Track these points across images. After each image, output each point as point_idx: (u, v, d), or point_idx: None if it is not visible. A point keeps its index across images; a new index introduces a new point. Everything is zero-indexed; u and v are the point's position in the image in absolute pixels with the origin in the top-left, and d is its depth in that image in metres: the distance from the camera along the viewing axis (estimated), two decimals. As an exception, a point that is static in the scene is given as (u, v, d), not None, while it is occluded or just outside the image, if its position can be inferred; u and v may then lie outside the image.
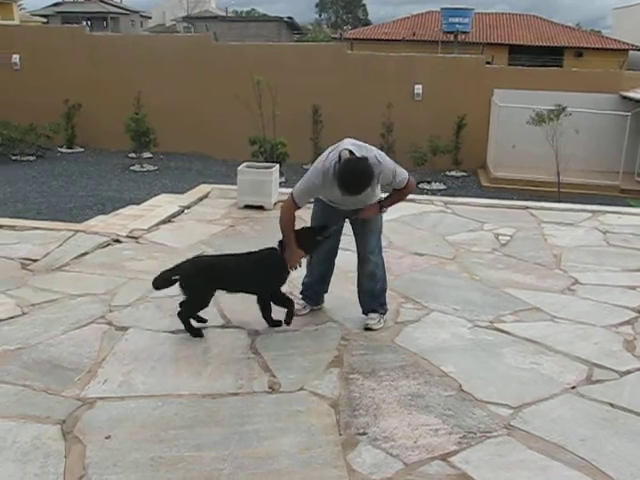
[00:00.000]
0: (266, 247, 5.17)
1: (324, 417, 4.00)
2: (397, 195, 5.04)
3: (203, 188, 9.74)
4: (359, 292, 5.37)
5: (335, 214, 5.13)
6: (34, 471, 3.44)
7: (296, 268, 5.09)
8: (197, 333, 4.98)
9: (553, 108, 13.75)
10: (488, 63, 18.84)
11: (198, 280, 4.93)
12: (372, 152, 4.74)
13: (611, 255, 7.30)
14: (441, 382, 4.45)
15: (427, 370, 4.61)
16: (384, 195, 5.14)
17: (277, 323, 5.14)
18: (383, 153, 4.88)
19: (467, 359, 4.80)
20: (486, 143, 16.28)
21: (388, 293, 5.38)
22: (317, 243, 5.11)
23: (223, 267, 5.07)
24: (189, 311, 5.00)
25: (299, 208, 4.93)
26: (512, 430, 3.92)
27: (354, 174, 4.51)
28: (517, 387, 4.42)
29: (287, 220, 4.94)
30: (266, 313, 5.12)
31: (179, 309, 4.98)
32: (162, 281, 5.03)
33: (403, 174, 4.87)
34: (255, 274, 5.01)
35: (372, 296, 5.30)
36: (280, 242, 5.07)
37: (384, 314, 5.32)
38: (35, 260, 6.55)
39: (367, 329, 5.20)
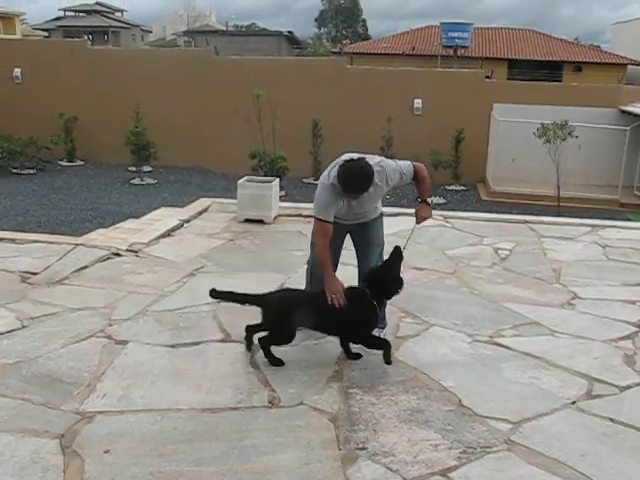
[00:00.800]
0: (353, 287, 4.89)
1: (323, 432, 3.99)
2: (420, 184, 5.09)
3: (203, 202, 9.75)
4: None
5: (338, 231, 5.06)
6: (33, 486, 3.43)
7: (335, 303, 4.69)
8: (277, 362, 4.75)
9: (559, 122, 13.78)
10: (487, 77, 18.95)
11: (286, 318, 4.68)
12: (373, 160, 4.79)
13: (611, 269, 7.31)
14: (441, 397, 4.45)
15: (427, 385, 4.60)
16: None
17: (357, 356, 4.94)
18: (383, 158, 4.95)
19: (467, 374, 4.79)
20: (486, 157, 16.32)
21: (388, 308, 5.37)
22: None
23: (313, 305, 4.77)
24: (271, 344, 4.79)
25: (331, 223, 4.82)
26: (512, 445, 3.91)
27: (353, 172, 4.57)
28: (517, 402, 4.41)
29: (323, 247, 4.84)
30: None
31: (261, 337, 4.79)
32: (224, 295, 4.91)
33: (408, 166, 4.94)
34: (345, 316, 4.71)
35: None
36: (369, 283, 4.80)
37: (383, 328, 5.31)
38: (35, 273, 6.55)
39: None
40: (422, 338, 5.38)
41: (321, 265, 4.89)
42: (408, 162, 4.98)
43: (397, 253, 4.93)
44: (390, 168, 4.84)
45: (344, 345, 4.92)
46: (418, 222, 5.23)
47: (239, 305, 5.69)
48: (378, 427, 4.05)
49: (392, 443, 3.89)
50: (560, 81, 29.50)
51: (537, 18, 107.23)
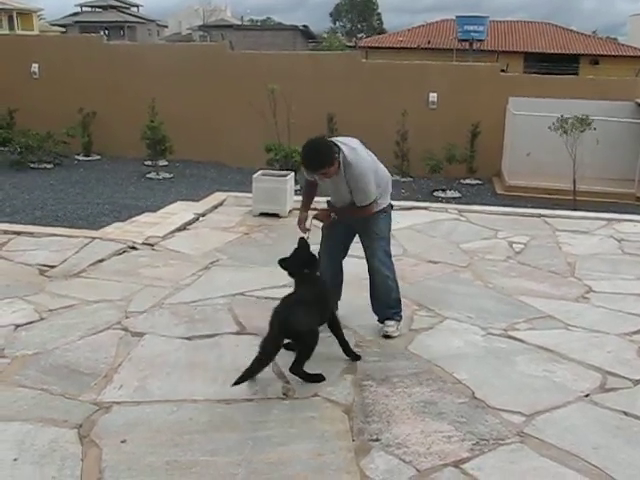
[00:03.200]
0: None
1: (337, 423, 4.03)
2: (356, 209, 5.06)
3: (218, 196, 9.80)
4: (373, 301, 5.40)
5: (342, 228, 5.31)
6: (52, 474, 3.49)
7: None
8: (318, 378, 4.55)
9: (579, 116, 13.71)
10: (503, 71, 18.86)
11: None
12: (359, 158, 4.88)
13: (626, 263, 7.29)
14: (454, 389, 4.47)
15: (440, 377, 4.62)
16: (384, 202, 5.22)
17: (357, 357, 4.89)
18: (372, 169, 4.96)
19: (480, 366, 4.81)
20: (501, 151, 16.25)
21: (402, 300, 5.39)
22: None
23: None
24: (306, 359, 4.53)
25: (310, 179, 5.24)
26: (525, 437, 3.93)
27: (308, 147, 4.83)
28: (530, 395, 4.42)
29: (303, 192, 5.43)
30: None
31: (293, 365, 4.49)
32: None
33: (368, 198, 4.95)
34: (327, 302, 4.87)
35: (388, 307, 5.33)
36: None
37: (400, 321, 5.35)
38: (52, 266, 6.63)
39: (386, 337, 5.22)
40: (436, 331, 5.41)
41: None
42: (371, 198, 4.98)
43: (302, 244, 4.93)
44: (359, 177, 4.85)
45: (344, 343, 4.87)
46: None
47: (254, 298, 5.76)
48: (392, 419, 4.08)
49: (405, 434, 3.92)
50: (576, 74, 29.31)
51: (556, 10, 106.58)
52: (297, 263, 4.82)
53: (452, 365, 4.79)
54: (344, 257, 5.50)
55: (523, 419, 4.12)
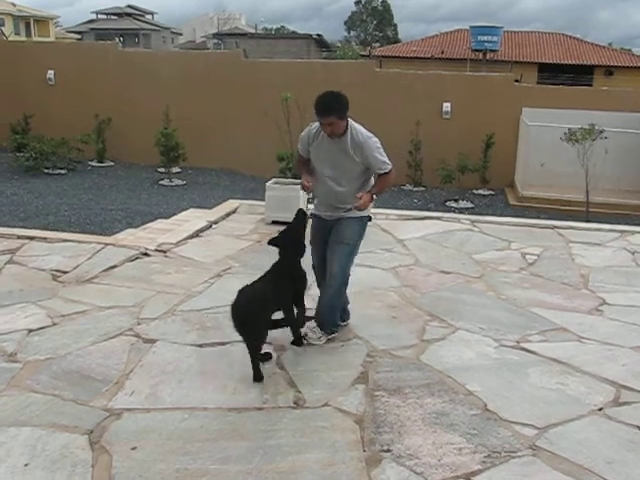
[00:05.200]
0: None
1: (348, 433, 4.01)
2: (381, 181, 5.11)
3: (231, 203, 9.82)
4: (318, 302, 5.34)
5: (321, 228, 5.32)
6: (62, 479, 3.49)
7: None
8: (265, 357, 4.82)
9: (587, 127, 13.68)
10: (517, 81, 18.81)
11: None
12: (370, 134, 5.09)
13: (640, 276, 7.23)
14: (466, 401, 4.45)
15: (452, 388, 4.60)
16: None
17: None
18: (379, 142, 5.09)
19: (492, 378, 4.78)
20: (514, 162, 16.21)
21: (413, 311, 5.38)
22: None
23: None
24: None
25: (302, 157, 5.34)
26: (537, 451, 3.90)
27: (328, 92, 5.10)
28: (543, 407, 4.39)
29: (297, 164, 5.50)
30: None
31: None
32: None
33: (387, 161, 5.05)
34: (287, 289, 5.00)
35: (323, 312, 5.23)
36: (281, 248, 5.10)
37: (331, 333, 5.28)
38: (65, 272, 6.65)
39: (303, 337, 5.19)
40: (448, 342, 5.38)
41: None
42: (390, 164, 5.06)
43: (300, 216, 5.16)
44: (369, 143, 4.99)
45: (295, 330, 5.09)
46: (355, 207, 5.03)
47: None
48: (403, 430, 4.06)
49: (417, 446, 3.90)
50: (591, 85, 29.23)
51: (573, 21, 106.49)
52: (288, 237, 5.10)
53: (464, 376, 4.77)
54: None
55: (535, 432, 4.09)
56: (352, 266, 5.29)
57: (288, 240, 5.10)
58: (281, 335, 5.21)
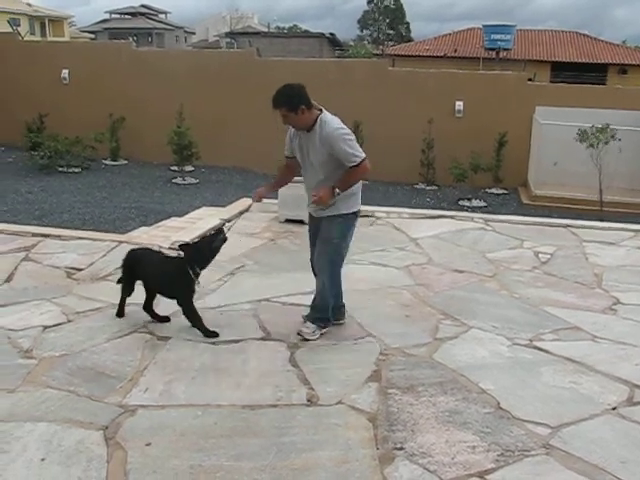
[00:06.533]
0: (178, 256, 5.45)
1: (362, 431, 4.02)
2: (348, 174, 5.01)
3: (244, 202, 9.83)
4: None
5: (311, 227, 5.47)
6: (78, 474, 3.53)
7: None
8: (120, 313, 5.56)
9: (600, 126, 13.61)
10: (530, 80, 18.73)
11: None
12: (339, 126, 5.03)
13: (654, 275, 7.20)
14: (479, 399, 4.45)
15: (465, 387, 4.60)
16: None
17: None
18: (348, 134, 5.04)
19: (506, 377, 4.78)
20: (527, 161, 16.15)
21: (427, 310, 5.40)
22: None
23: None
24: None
25: (287, 157, 5.41)
26: (551, 450, 3.89)
27: (282, 86, 5.15)
28: (556, 406, 4.38)
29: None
30: (194, 323, 5.31)
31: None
32: None
33: (356, 153, 4.95)
34: (160, 276, 5.43)
35: (314, 308, 5.36)
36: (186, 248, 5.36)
37: (323, 327, 5.33)
38: (80, 269, 6.70)
39: (298, 334, 5.24)
40: (461, 340, 5.38)
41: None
42: (361, 154, 5.00)
43: (219, 232, 5.39)
44: (336, 134, 4.94)
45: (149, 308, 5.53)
46: (313, 201, 5.10)
47: (280, 304, 5.78)
48: (416, 428, 4.07)
49: (430, 444, 3.90)
50: (604, 84, 29.09)
51: (588, 19, 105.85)
52: (195, 247, 5.37)
53: (477, 375, 4.77)
54: None
55: (549, 431, 4.08)
56: (342, 262, 5.32)
57: (194, 250, 5.32)
58: (294, 333, 5.25)
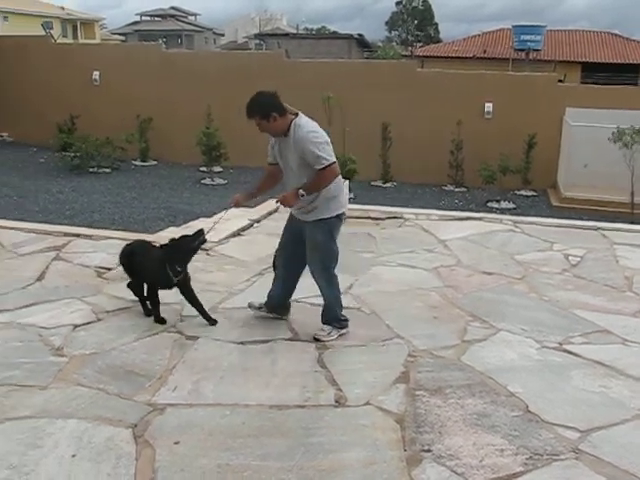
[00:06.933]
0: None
1: (389, 432, 4.02)
2: (315, 177, 5.01)
3: (273, 203, 9.83)
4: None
5: (290, 227, 5.51)
6: (107, 471, 3.57)
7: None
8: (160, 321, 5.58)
9: (636, 127, 13.42)
10: (560, 81, 18.56)
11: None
12: (311, 129, 5.02)
13: (687, 279, 7.09)
14: (508, 402, 4.42)
15: (494, 389, 4.58)
16: None
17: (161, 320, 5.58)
18: (319, 137, 5.01)
19: (534, 380, 4.75)
20: (557, 162, 16.00)
21: (455, 311, 5.38)
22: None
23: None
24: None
25: (270, 163, 5.44)
26: (580, 454, 3.86)
27: (254, 94, 5.28)
28: (586, 410, 4.35)
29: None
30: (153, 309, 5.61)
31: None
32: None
33: (324, 156, 4.94)
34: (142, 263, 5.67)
35: (324, 311, 5.41)
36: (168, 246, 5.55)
37: (340, 328, 5.36)
38: (109, 269, 6.77)
39: (315, 339, 5.27)
40: (490, 343, 5.35)
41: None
42: (330, 158, 4.99)
43: (198, 234, 5.62)
44: (307, 137, 4.94)
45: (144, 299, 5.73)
46: (277, 201, 5.25)
47: (308, 305, 5.79)
48: (444, 430, 4.06)
49: (458, 446, 3.89)
50: (636, 84, 28.70)
51: (620, 19, 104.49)
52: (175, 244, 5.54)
53: (506, 377, 4.74)
54: (298, 260, 5.46)
55: (578, 435, 4.05)
56: (335, 264, 5.35)
57: (174, 249, 5.51)
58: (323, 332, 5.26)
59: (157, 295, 5.58)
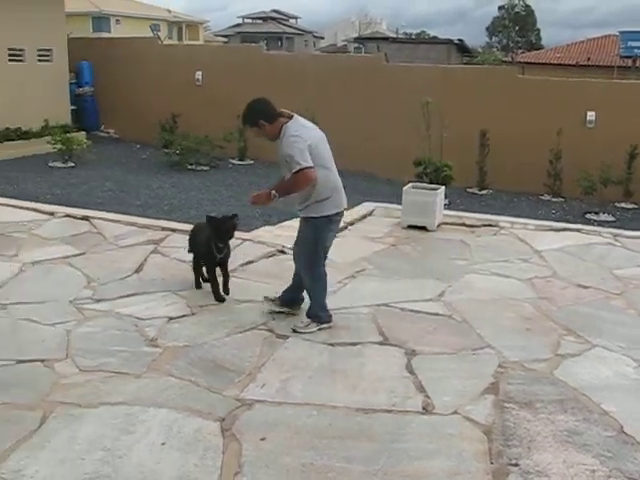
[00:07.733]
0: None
1: (476, 443, 3.95)
2: (288, 180, 5.22)
3: (367, 206, 9.88)
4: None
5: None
6: (194, 461, 3.65)
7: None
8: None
9: None
10: (670, 91, 17.78)
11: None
12: (295, 133, 5.13)
13: None
14: (601, 421, 4.27)
15: (587, 407, 4.43)
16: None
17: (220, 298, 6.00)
18: (300, 142, 5.08)
19: (631, 400, 4.57)
20: (663, 175, 15.37)
21: (549, 324, 5.24)
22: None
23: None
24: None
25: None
26: (678, 481, 3.69)
27: (249, 102, 5.37)
28: (686, 435, 4.15)
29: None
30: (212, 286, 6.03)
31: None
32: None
33: (299, 161, 5.02)
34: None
35: (309, 306, 5.59)
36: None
37: (319, 323, 5.43)
38: (204, 264, 6.90)
39: (293, 330, 5.38)
40: (584, 358, 5.18)
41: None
42: (306, 165, 5.03)
43: (234, 216, 6.15)
44: (289, 140, 5.10)
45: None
46: (248, 200, 5.59)
47: (399, 310, 5.76)
48: (533, 445, 3.95)
49: (546, 463, 3.78)
50: None
51: None
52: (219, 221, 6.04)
53: (600, 395, 4.58)
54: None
55: (678, 461, 3.87)
56: (321, 262, 5.55)
57: (218, 222, 6.00)
58: (412, 338, 5.22)
59: (214, 272, 6.01)
